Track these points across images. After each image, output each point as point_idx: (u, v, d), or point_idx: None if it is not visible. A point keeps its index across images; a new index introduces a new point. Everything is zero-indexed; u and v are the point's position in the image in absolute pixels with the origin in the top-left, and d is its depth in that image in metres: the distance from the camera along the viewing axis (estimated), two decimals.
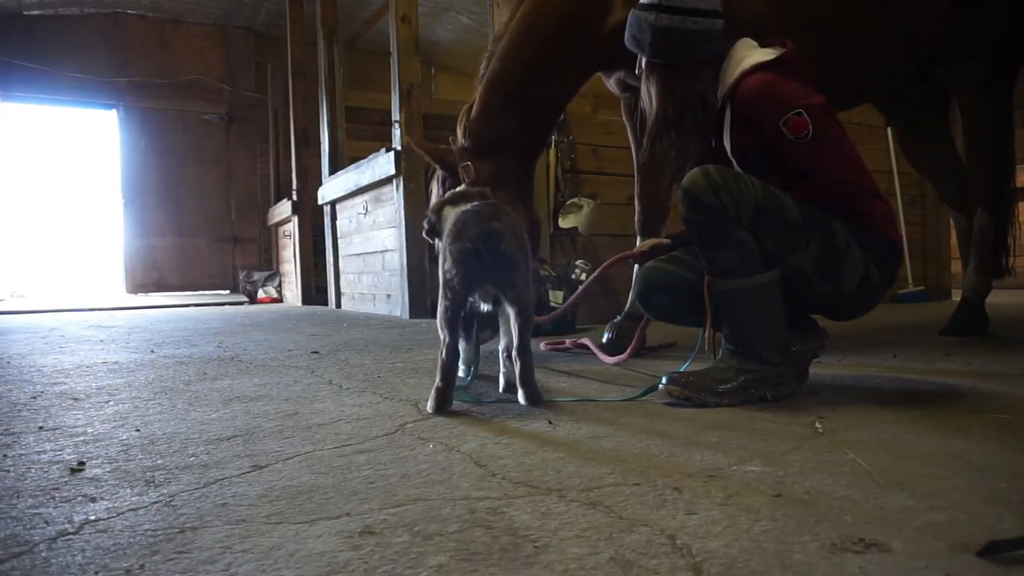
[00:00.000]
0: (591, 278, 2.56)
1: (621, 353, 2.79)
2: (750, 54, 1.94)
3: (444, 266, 1.79)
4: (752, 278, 1.80)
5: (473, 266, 1.73)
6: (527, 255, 1.84)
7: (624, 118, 3.16)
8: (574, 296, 2.71)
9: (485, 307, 1.85)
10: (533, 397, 1.80)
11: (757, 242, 1.80)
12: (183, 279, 9.87)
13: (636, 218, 3.10)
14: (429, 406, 1.76)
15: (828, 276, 1.83)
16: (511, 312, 1.80)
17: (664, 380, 1.81)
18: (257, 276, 8.81)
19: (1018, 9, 3.22)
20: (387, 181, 5.23)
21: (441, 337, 1.78)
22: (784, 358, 1.84)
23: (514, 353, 1.81)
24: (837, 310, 1.95)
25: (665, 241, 2.21)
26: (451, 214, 1.95)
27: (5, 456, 1.42)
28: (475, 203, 1.91)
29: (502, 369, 1.99)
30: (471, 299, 1.81)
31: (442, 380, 1.77)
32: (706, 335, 1.97)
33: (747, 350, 1.82)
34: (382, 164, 5.17)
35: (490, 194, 2.06)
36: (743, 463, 1.28)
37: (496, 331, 2.02)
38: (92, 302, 7.71)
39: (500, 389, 1.98)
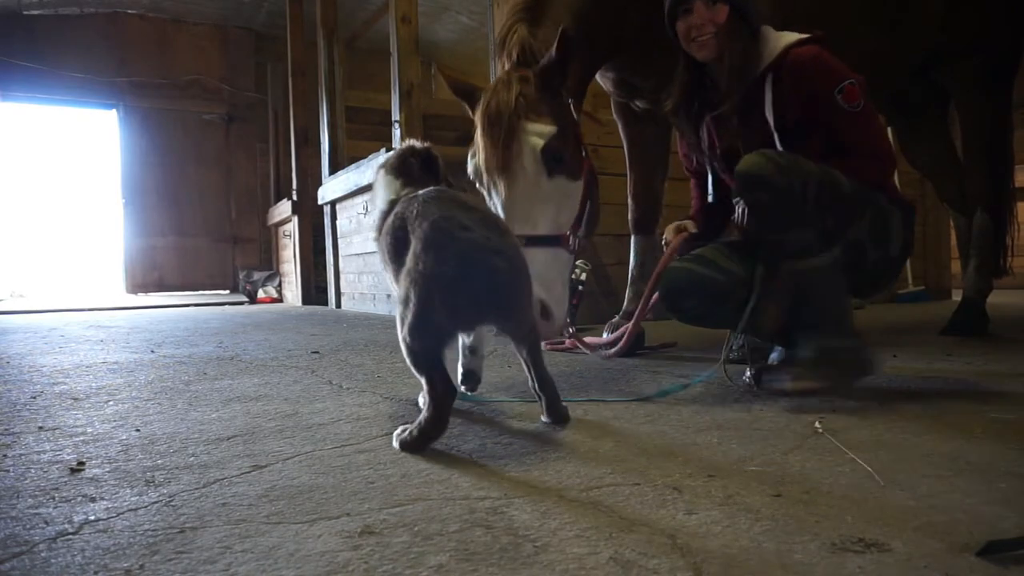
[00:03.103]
0: (649, 286, 2.26)
1: (622, 355, 2.79)
2: (787, 33, 1.96)
3: (410, 289, 1.41)
4: (830, 253, 1.80)
5: (466, 301, 1.40)
6: (528, 269, 1.54)
7: (616, 116, 3.16)
8: (643, 299, 2.33)
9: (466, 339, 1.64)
10: (562, 420, 1.62)
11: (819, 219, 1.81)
12: (183, 279, 9.87)
13: (630, 216, 3.10)
14: (397, 444, 1.41)
15: (881, 243, 1.87)
16: (519, 350, 1.57)
17: (767, 379, 1.78)
18: (257, 276, 8.81)
19: (1017, 9, 3.22)
20: None
21: (423, 383, 1.43)
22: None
23: (536, 387, 1.60)
24: (872, 283, 1.98)
25: (688, 224, 2.17)
26: (389, 187, 1.72)
27: (5, 456, 1.41)
28: (437, 192, 1.57)
29: (460, 358, 1.82)
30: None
31: (433, 436, 1.41)
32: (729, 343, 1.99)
33: (836, 327, 1.78)
34: None
35: (434, 153, 1.81)
36: (743, 463, 1.28)
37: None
38: (92, 302, 7.71)
39: (459, 368, 1.82)
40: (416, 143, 1.84)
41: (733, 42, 1.94)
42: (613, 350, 2.57)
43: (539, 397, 1.61)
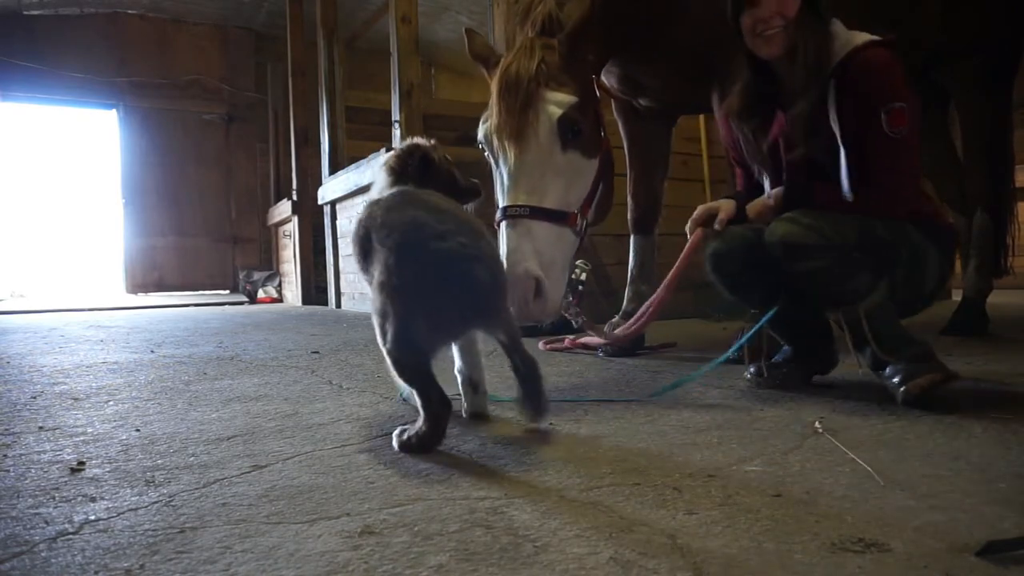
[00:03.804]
0: (673, 272, 2.16)
1: (622, 355, 2.79)
2: (857, 32, 1.83)
3: (387, 303, 1.36)
4: (885, 281, 1.75)
5: (449, 313, 1.37)
6: (503, 269, 1.48)
7: (616, 115, 3.14)
8: (656, 295, 2.25)
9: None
10: (543, 411, 1.51)
11: None
12: (183, 279, 9.87)
13: (629, 216, 3.09)
14: (397, 445, 1.40)
15: (913, 283, 1.79)
16: (507, 350, 1.48)
17: (902, 387, 1.70)
18: (257, 276, 8.81)
19: (1016, 9, 3.22)
20: None
21: (417, 396, 1.40)
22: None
23: (519, 372, 1.48)
24: (909, 310, 1.90)
25: (727, 204, 1.98)
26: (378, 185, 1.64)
27: (5, 456, 1.41)
28: (401, 195, 1.51)
29: (463, 397, 1.70)
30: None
31: (431, 447, 1.38)
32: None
33: (905, 338, 1.75)
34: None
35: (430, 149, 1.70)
36: (743, 463, 1.28)
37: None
38: (92, 302, 7.70)
39: (464, 413, 1.70)
40: (421, 141, 1.77)
41: (806, 36, 1.78)
42: (630, 330, 2.52)
43: (522, 384, 1.47)
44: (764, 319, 1.97)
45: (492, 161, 2.20)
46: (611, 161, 2.32)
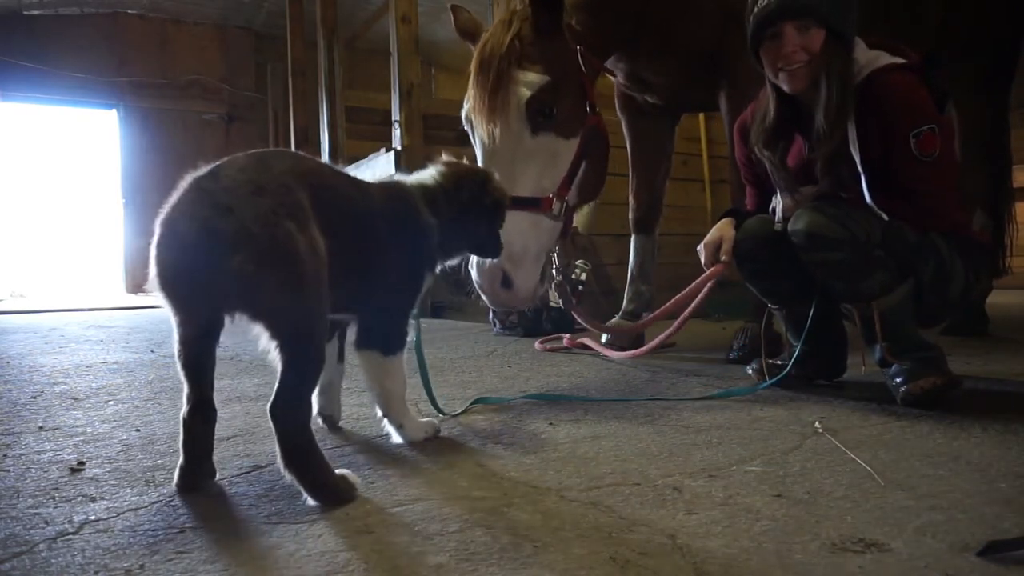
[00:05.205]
0: (694, 304, 2.14)
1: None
2: (878, 53, 1.80)
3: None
4: (907, 284, 1.73)
5: (174, 270, 1.10)
6: (288, 243, 1.07)
7: (620, 112, 3.13)
8: (680, 319, 2.22)
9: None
10: (318, 491, 1.06)
11: None
12: None
13: (631, 215, 3.08)
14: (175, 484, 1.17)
15: (938, 291, 1.77)
16: (273, 350, 1.15)
17: (904, 386, 1.70)
18: None
19: (1016, 11, 3.23)
20: None
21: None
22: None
23: (268, 409, 1.09)
24: (933, 319, 1.88)
25: (728, 231, 1.97)
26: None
27: (5, 456, 1.41)
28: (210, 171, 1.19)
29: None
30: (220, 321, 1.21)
31: (184, 454, 1.18)
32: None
33: (915, 343, 1.75)
34: (382, 164, 5.17)
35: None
36: (743, 463, 1.28)
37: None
38: (92, 302, 7.70)
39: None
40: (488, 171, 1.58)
41: (831, 73, 1.72)
42: (629, 353, 2.53)
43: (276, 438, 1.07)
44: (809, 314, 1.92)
45: (473, 143, 2.19)
46: (603, 138, 2.25)
